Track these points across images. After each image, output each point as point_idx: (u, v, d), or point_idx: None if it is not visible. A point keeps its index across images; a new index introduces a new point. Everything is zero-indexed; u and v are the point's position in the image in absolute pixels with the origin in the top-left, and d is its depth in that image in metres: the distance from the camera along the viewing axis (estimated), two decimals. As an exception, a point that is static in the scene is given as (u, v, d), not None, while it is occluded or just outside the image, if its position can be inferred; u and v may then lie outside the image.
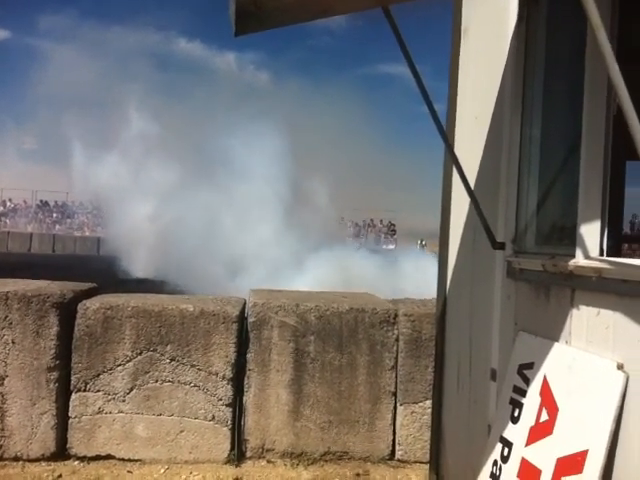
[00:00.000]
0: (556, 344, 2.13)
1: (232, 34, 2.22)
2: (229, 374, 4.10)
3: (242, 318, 4.21)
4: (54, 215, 43.46)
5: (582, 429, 1.84)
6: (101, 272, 16.72)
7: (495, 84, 2.81)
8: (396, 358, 4.24)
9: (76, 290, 4.27)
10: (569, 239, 2.15)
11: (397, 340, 4.25)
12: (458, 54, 3.26)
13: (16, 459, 3.97)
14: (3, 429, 3.97)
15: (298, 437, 4.16)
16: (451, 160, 2.80)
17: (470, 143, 3.06)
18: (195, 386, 4.08)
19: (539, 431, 2.06)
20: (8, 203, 43.45)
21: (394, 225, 43.61)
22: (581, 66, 2.07)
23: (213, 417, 4.09)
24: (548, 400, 2.06)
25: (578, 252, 2.04)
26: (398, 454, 4.25)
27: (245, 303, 4.37)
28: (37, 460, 3.98)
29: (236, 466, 4.07)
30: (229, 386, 4.11)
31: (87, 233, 41.10)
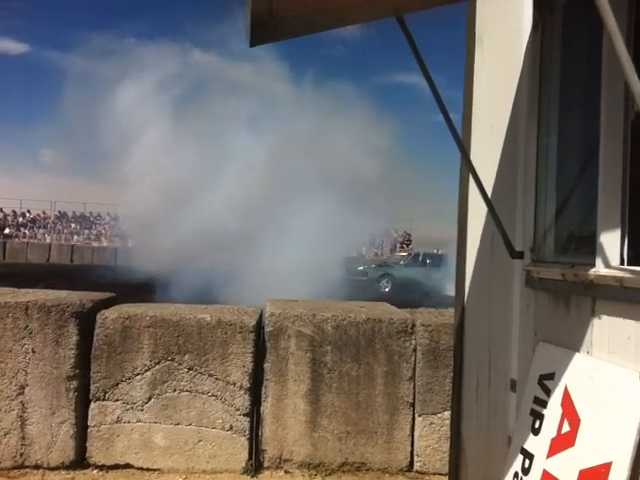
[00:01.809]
0: (577, 354, 2.10)
1: (247, 44, 2.24)
2: (246, 384, 4.10)
3: (259, 328, 4.22)
4: (72, 226, 43.99)
5: (605, 441, 1.81)
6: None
7: (511, 92, 2.79)
8: (414, 368, 4.21)
9: (95, 300, 4.32)
10: (589, 248, 2.13)
11: (415, 350, 4.22)
12: (473, 63, 3.26)
13: (36, 467, 4.01)
14: (24, 437, 4.01)
15: (316, 447, 4.15)
16: (467, 169, 2.79)
17: (486, 152, 3.05)
18: (213, 396, 4.09)
19: (561, 442, 2.03)
20: (27, 214, 44.07)
21: (410, 235, 43.44)
22: (598, 73, 2.06)
23: (231, 427, 4.09)
24: (570, 411, 2.03)
25: (598, 261, 2.01)
26: (417, 465, 4.21)
27: (262, 313, 4.38)
28: (57, 468, 4.02)
29: (253, 476, 4.07)
30: (246, 396, 4.11)
31: (105, 243, 41.53)
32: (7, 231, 41.55)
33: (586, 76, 2.41)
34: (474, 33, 3.26)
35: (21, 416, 4.02)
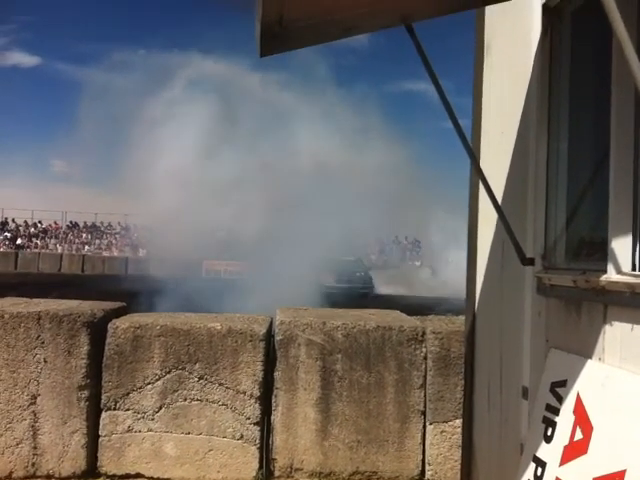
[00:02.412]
0: (589, 361, 2.08)
1: (257, 55, 2.26)
2: (257, 392, 4.10)
3: (269, 336, 4.22)
4: (83, 236, 44.30)
5: (619, 448, 1.79)
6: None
7: (520, 99, 2.80)
8: (425, 376, 4.19)
9: (106, 309, 4.34)
10: (600, 254, 2.12)
11: (425, 358, 4.20)
12: (482, 70, 3.26)
13: (48, 477, 4.02)
14: (36, 447, 4.03)
15: (326, 456, 4.13)
16: (477, 176, 2.79)
17: (496, 158, 3.05)
18: (223, 405, 4.09)
19: (573, 450, 2.01)
20: (39, 224, 44.45)
21: (419, 242, 43.36)
22: (607, 79, 2.06)
23: (241, 436, 4.09)
24: (582, 418, 2.01)
25: (610, 267, 2.00)
26: (428, 474, 4.18)
27: (272, 321, 4.38)
28: (68, 478, 4.03)
29: (264, 485, 4.06)
30: (257, 405, 4.11)
31: (115, 253, 41.78)
32: (19, 241, 41.93)
33: (596, 82, 2.41)
34: (483, 40, 3.27)
35: (33, 426, 4.04)
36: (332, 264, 25.52)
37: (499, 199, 2.72)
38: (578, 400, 2.07)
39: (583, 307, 2.19)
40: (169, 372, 4.10)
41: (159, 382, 4.09)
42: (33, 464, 4.03)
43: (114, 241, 44.11)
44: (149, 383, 4.10)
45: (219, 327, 4.14)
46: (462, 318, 3.81)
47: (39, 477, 4.02)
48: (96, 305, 4.44)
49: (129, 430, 4.09)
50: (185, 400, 4.09)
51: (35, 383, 4.06)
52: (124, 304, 4.71)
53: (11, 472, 4.01)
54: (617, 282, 1.94)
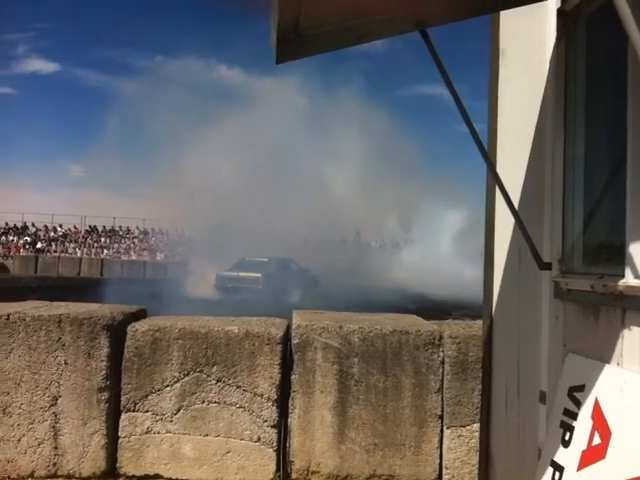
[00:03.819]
0: (607, 366, 2.08)
1: (273, 62, 2.29)
2: (274, 395, 4.13)
3: (286, 340, 4.24)
4: (102, 240, 44.77)
5: (637, 453, 1.78)
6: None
7: (536, 103, 2.80)
8: (442, 381, 4.18)
9: (125, 312, 4.40)
10: (618, 258, 2.11)
11: (442, 362, 4.19)
12: (497, 74, 3.26)
13: (69, 477, 4.08)
14: (57, 447, 4.10)
15: (343, 460, 4.14)
16: (494, 180, 2.79)
17: (512, 162, 3.05)
18: (241, 407, 4.12)
19: (591, 455, 2.01)
20: (58, 229, 45.03)
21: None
22: (623, 82, 2.06)
23: (259, 438, 4.12)
24: (600, 423, 2.00)
25: (628, 271, 2.00)
26: (445, 478, 4.17)
27: (289, 325, 4.41)
28: (88, 478, 4.08)
29: (281, 488, 4.08)
30: (274, 407, 4.13)
31: (134, 257, 42.17)
32: (39, 245, 42.50)
33: (612, 85, 2.41)
34: (498, 45, 3.27)
35: (54, 426, 4.11)
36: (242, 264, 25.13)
37: (516, 203, 2.72)
38: (596, 405, 2.06)
39: (601, 312, 2.18)
40: (187, 374, 4.14)
41: (177, 384, 4.14)
42: (54, 464, 4.09)
43: (132, 245, 44.53)
44: (168, 385, 4.14)
45: (237, 330, 4.18)
46: (479, 322, 3.80)
47: (60, 477, 4.08)
48: (115, 308, 4.51)
49: (148, 431, 4.13)
50: (203, 402, 4.13)
51: (56, 385, 4.12)
52: (143, 307, 4.76)
53: (33, 471, 4.08)
54: (635, 287, 1.93)
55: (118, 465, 4.14)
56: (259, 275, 24.15)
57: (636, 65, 1.90)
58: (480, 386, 3.75)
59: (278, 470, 4.13)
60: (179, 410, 4.13)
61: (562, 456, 2.20)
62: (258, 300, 18.62)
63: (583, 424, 2.11)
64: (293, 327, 4.28)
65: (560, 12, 2.57)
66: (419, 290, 25.57)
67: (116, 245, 44.54)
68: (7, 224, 43.96)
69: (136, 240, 44.94)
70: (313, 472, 4.15)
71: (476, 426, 3.96)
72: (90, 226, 45.82)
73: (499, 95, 3.20)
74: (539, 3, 2.47)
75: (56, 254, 41.27)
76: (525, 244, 2.61)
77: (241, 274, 24.40)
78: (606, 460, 1.93)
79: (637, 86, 1.98)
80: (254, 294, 21.91)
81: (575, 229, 2.54)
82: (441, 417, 4.17)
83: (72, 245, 43.78)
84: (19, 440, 4.10)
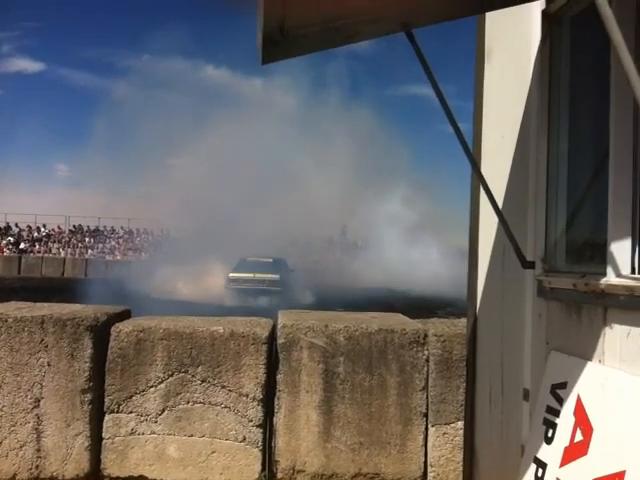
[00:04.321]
0: (589, 363, 2.10)
1: (259, 62, 2.29)
2: (259, 395, 4.12)
3: (272, 339, 4.24)
4: (86, 240, 44.37)
5: (618, 449, 1.81)
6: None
7: (521, 103, 2.82)
8: (427, 379, 4.20)
9: (109, 313, 4.36)
10: (600, 257, 2.14)
11: (427, 361, 4.21)
12: (483, 74, 3.29)
13: (52, 479, 4.03)
14: (39, 450, 4.05)
15: (329, 458, 4.14)
16: (478, 179, 2.81)
17: (497, 162, 3.07)
18: (226, 407, 4.10)
19: (574, 451, 2.03)
20: (42, 229, 44.53)
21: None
22: (606, 83, 2.08)
23: (244, 438, 4.10)
24: (582, 420, 2.03)
25: (609, 270, 2.02)
26: (430, 476, 4.19)
27: (274, 324, 4.40)
28: (72, 481, 4.04)
29: (267, 488, 4.07)
30: (259, 407, 4.12)
31: (118, 257, 41.85)
32: (22, 246, 42.00)
33: (595, 87, 2.43)
34: (483, 45, 3.29)
35: (37, 428, 4.06)
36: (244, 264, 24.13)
37: (500, 203, 2.75)
38: (578, 402, 2.09)
39: (583, 310, 2.21)
40: (172, 375, 4.12)
41: (162, 385, 4.11)
42: (37, 466, 4.05)
43: (117, 245, 44.18)
44: (152, 386, 4.12)
45: (222, 330, 4.16)
46: (464, 321, 3.83)
47: (43, 479, 4.03)
48: (99, 309, 4.46)
49: (132, 433, 4.10)
50: (188, 403, 4.11)
51: (39, 386, 4.07)
52: (128, 308, 4.73)
53: (15, 474, 4.03)
54: (616, 285, 1.96)
55: (102, 467, 4.11)
56: (277, 277, 22.89)
57: (618, 66, 1.93)
58: (465, 384, 3.78)
59: (264, 470, 4.12)
60: (164, 411, 4.10)
61: (545, 453, 2.22)
62: (278, 304, 17.07)
63: (565, 421, 2.14)
64: (279, 327, 4.27)
65: (545, 14, 2.60)
66: (399, 288, 25.76)
67: (100, 245, 44.16)
68: (-11, 224, 43.41)
69: (121, 240, 44.60)
70: (299, 471, 4.15)
71: (461, 424, 3.98)
72: (74, 226, 45.40)
73: (484, 95, 3.23)
74: (524, 4, 2.49)
75: (40, 254, 40.81)
76: (509, 243, 2.63)
77: (257, 275, 22.91)
78: (588, 456, 1.95)
79: (619, 87, 2.01)
80: (274, 297, 20.95)
81: (558, 228, 2.57)
82: (426, 415, 4.19)
83: (56, 245, 43.32)
84: (0, 443, 4.04)
